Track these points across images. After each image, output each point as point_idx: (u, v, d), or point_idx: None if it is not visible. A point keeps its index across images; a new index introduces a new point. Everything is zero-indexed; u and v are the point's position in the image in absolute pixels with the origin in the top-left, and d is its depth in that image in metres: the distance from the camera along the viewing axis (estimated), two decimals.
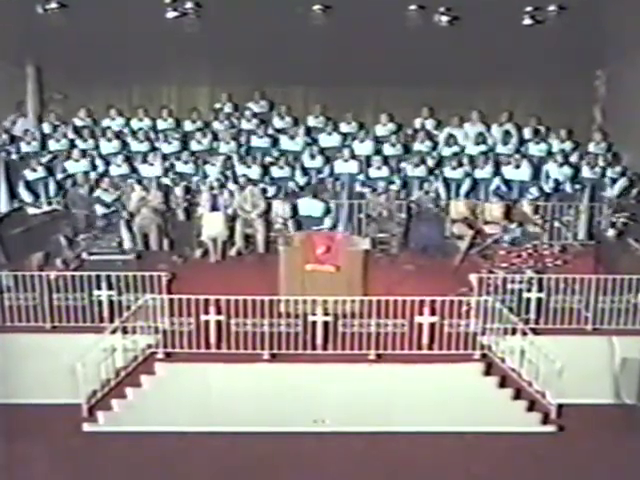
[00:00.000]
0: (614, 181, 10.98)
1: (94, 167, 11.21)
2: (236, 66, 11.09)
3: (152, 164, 11.13)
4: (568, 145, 11.55)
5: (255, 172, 11.03)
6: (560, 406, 8.54)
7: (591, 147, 11.56)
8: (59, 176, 11.05)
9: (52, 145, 11.50)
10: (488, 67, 10.74)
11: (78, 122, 11.91)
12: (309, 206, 10.52)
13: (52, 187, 10.96)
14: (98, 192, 10.51)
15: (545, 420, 8.55)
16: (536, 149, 11.50)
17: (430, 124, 11.97)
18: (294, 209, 10.49)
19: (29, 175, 10.95)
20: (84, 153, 11.26)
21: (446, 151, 11.53)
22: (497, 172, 11.13)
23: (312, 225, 10.32)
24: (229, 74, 11.56)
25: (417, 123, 11.98)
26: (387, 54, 10.64)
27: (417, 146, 11.60)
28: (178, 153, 11.37)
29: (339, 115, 11.93)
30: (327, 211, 10.59)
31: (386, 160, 11.24)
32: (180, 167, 11.15)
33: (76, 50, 10.18)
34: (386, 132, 11.79)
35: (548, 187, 10.95)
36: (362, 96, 12.00)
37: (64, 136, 11.56)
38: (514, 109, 11.85)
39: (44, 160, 11.18)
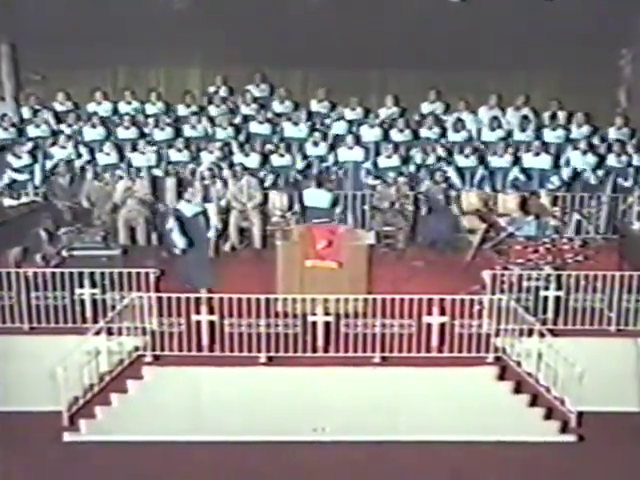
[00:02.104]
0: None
1: (78, 155, 11.05)
2: (230, 46, 10.96)
3: (143, 152, 10.99)
4: (585, 130, 11.42)
5: (254, 161, 10.92)
6: (580, 414, 8.43)
7: (612, 132, 11.41)
8: (48, 164, 10.88)
9: (31, 131, 11.38)
10: (503, 47, 10.60)
11: (58, 106, 11.76)
12: (315, 197, 10.42)
13: (38, 176, 10.83)
14: (180, 204, 9.98)
15: (564, 429, 8.45)
16: (553, 135, 11.38)
17: (439, 108, 11.82)
18: (294, 200, 10.34)
19: (14, 162, 10.87)
20: (69, 139, 11.12)
21: (457, 137, 11.41)
22: (516, 161, 11.01)
23: (319, 217, 10.22)
24: (222, 55, 11.43)
25: (425, 108, 11.87)
26: (393, 33, 10.56)
27: (425, 132, 11.47)
28: (171, 140, 11.22)
29: (342, 99, 11.81)
30: (334, 202, 10.50)
31: (396, 148, 11.13)
32: (174, 155, 11.05)
33: (55, 27, 10.10)
34: (390, 115, 11.67)
35: (566, 175, 10.83)
36: (366, 79, 11.89)
37: (45, 121, 11.45)
38: (531, 92, 11.71)
39: (27, 147, 11.02)
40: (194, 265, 9.37)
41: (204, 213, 9.98)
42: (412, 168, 10.95)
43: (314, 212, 10.31)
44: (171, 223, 9.75)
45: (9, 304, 8.80)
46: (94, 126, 11.32)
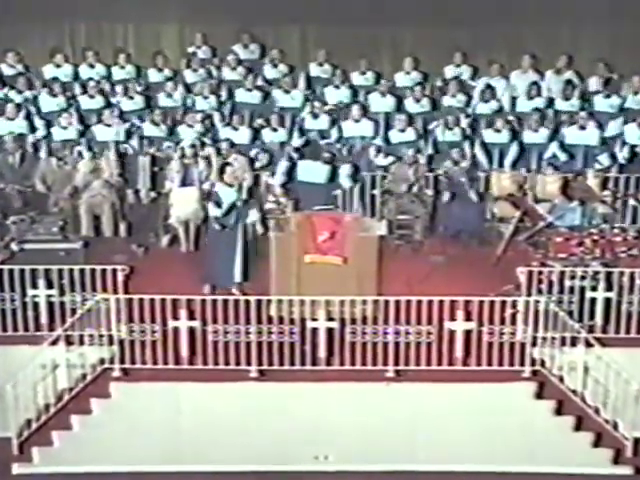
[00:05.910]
0: None
1: (32, 129, 11.07)
2: None
3: (109, 125, 10.96)
4: None
5: (243, 136, 10.91)
6: (637, 441, 8.33)
7: None
8: None
9: None
10: None
11: (7, 70, 11.75)
12: (309, 170, 10.36)
13: None
14: (218, 187, 9.73)
15: (617, 459, 8.33)
16: (606, 104, 11.32)
17: (465, 73, 11.84)
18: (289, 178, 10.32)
19: None
20: (19, 109, 11.10)
21: (484, 108, 11.36)
22: (554, 136, 10.92)
23: (314, 195, 10.02)
24: (203, 8, 11.45)
25: (448, 72, 11.84)
26: None
27: (448, 101, 11.44)
28: (142, 111, 11.25)
29: (348, 62, 11.83)
30: (333, 176, 10.40)
31: (411, 120, 11.08)
32: (147, 130, 11.02)
33: None
34: (409, 82, 11.68)
35: (623, 156, 10.77)
36: (376, 38, 11.93)
37: None
38: (575, 52, 11.69)
39: None
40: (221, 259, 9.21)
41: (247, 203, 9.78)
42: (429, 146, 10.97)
43: (307, 188, 10.21)
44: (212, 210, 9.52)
45: None
46: (53, 94, 11.28)
